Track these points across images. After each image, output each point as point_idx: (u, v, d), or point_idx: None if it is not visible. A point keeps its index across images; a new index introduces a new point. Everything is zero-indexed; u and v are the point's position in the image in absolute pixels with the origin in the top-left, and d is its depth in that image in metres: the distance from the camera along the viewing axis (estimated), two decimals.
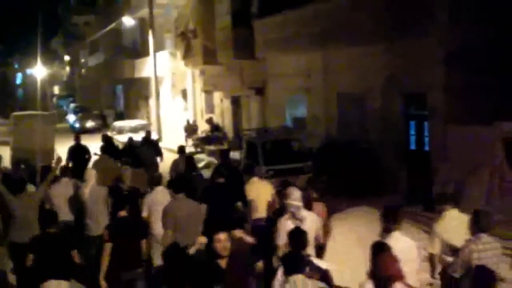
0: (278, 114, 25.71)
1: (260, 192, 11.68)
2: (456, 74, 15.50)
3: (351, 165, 17.68)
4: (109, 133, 29.37)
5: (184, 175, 14.53)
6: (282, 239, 8.21)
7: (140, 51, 45.90)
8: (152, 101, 40.18)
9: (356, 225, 10.69)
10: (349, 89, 20.72)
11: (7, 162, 24.71)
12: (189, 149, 28.79)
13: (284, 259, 7.06)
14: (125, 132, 33.23)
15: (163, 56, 37.94)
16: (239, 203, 12.41)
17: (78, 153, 19.66)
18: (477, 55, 15.20)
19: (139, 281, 9.24)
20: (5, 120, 55.40)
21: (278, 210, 9.82)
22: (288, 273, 6.58)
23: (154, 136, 28.73)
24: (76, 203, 11.92)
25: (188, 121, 34.02)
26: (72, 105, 64.49)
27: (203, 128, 32.42)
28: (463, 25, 15.27)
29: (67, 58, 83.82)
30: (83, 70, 71.06)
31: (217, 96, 33.23)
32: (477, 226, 7.53)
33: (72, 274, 8.08)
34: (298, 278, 6.45)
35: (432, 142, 16.83)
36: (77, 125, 47.90)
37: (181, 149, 17.55)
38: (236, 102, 30.93)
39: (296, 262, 6.65)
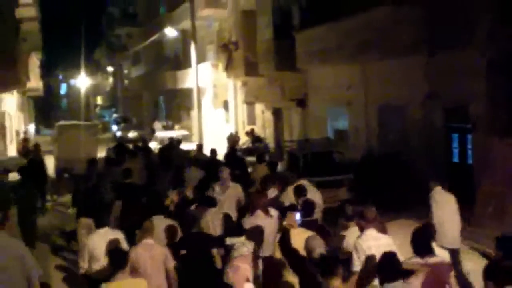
0: (320, 126, 25.71)
1: (258, 174, 15.35)
2: (499, 85, 15.30)
3: (391, 178, 17.53)
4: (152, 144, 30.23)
5: None
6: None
7: (182, 62, 46.25)
8: (194, 112, 40.38)
9: None
10: (390, 101, 20.62)
11: (51, 171, 25.14)
12: None
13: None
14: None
15: (205, 67, 38.04)
16: None
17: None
18: None
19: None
20: (49, 130, 56.52)
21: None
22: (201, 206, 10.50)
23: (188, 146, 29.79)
24: None
25: (231, 133, 34.18)
26: (114, 116, 65.36)
27: (244, 139, 32.51)
28: (504, 35, 15.07)
29: (110, 69, 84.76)
30: (125, 81, 71.78)
31: (258, 107, 33.34)
32: None
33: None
34: (212, 209, 10.37)
35: (475, 155, 16.64)
36: (119, 135, 48.60)
37: (199, 146, 21.30)
38: (277, 114, 30.97)
39: (209, 200, 10.68)
